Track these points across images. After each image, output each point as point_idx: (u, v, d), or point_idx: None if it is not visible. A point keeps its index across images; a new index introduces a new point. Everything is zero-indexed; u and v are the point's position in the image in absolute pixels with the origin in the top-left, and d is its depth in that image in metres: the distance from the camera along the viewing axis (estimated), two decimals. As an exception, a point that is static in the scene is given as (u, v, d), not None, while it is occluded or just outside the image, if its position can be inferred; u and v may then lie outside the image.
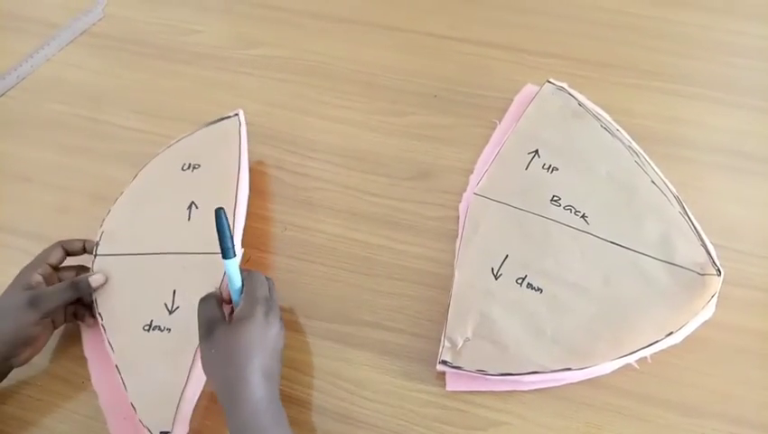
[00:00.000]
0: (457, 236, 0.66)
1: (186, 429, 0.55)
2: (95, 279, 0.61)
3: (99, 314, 0.60)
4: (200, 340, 0.53)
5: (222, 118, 0.73)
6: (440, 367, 0.57)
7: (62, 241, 0.63)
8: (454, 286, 0.61)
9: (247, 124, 0.74)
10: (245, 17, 0.95)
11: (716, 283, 0.59)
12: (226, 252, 0.53)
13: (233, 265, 0.54)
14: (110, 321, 0.60)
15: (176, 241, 0.64)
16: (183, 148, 0.72)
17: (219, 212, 0.53)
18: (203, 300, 0.55)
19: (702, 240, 0.62)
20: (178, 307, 0.60)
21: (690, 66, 0.82)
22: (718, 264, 0.60)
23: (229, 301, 0.57)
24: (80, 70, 0.89)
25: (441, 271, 0.64)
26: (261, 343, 0.52)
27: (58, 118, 0.83)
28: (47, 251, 0.62)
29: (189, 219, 0.65)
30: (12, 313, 0.57)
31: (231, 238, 0.54)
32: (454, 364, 0.56)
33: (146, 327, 0.59)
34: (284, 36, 0.90)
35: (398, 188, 0.72)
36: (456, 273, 0.62)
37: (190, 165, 0.69)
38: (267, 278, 0.58)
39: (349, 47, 0.88)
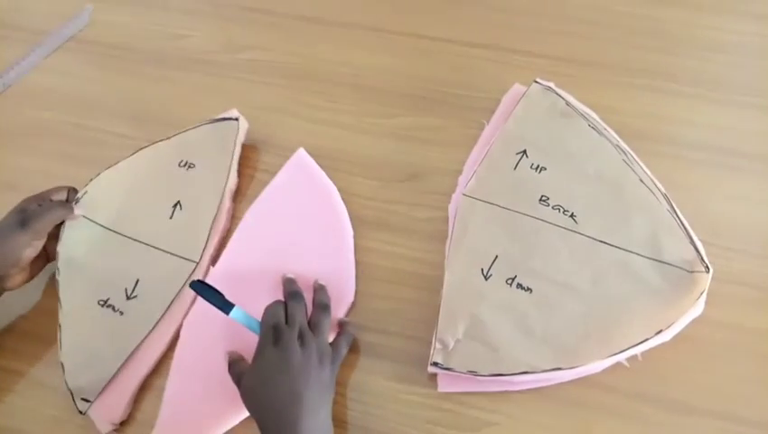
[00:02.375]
0: (447, 237, 0.66)
1: (117, 414, 0.57)
2: (76, 209, 0.66)
3: (58, 268, 0.63)
4: (238, 389, 0.55)
5: (224, 119, 0.74)
6: (431, 369, 0.57)
7: (71, 187, 0.67)
8: (445, 287, 0.61)
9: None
10: (233, 21, 0.95)
11: (704, 280, 0.59)
12: (224, 309, 0.57)
13: (238, 314, 0.57)
14: (67, 278, 0.63)
15: (153, 234, 0.66)
16: (185, 143, 0.74)
17: (195, 286, 0.57)
18: (231, 365, 0.57)
19: (690, 237, 0.62)
20: (136, 296, 0.62)
21: (677, 63, 0.82)
22: (707, 261, 0.60)
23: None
24: (68, 77, 0.88)
25: (432, 273, 0.64)
26: (276, 370, 0.52)
27: (45, 126, 0.82)
28: (53, 189, 0.66)
29: (171, 217, 0.67)
30: (3, 233, 0.59)
31: (220, 295, 0.57)
32: (445, 366, 0.56)
33: (101, 302, 0.62)
34: (272, 40, 0.90)
35: (387, 190, 0.72)
36: (446, 274, 0.62)
37: (186, 162, 0.72)
38: (296, 296, 0.59)
39: (337, 50, 0.88)
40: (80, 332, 0.61)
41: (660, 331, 0.57)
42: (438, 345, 0.58)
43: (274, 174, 0.73)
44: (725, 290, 0.61)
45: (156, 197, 0.69)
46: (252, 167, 0.75)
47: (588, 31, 0.87)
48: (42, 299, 0.66)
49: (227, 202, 0.69)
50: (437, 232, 0.68)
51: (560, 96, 0.75)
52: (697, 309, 0.58)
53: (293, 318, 0.56)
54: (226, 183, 0.69)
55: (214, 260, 0.66)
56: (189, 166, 0.71)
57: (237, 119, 0.74)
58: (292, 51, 0.88)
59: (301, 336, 0.55)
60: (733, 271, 0.63)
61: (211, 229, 0.66)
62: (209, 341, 0.60)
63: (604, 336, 0.57)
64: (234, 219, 0.70)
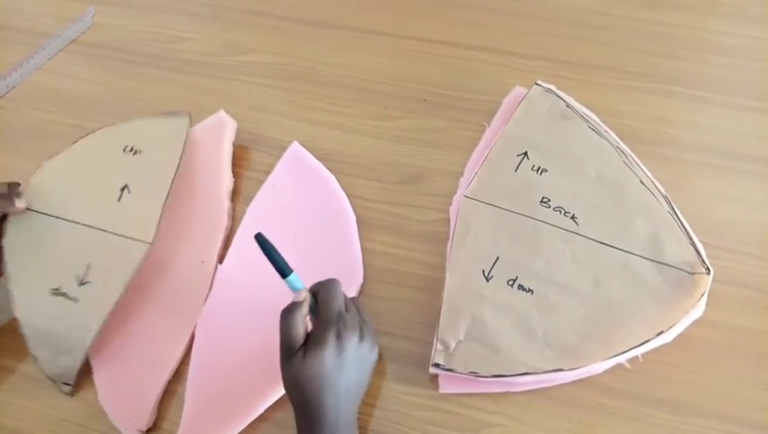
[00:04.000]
0: (448, 239, 0.66)
1: (143, 421, 0.57)
2: (19, 202, 0.64)
3: (5, 261, 0.63)
4: (281, 358, 0.51)
5: (172, 113, 0.74)
6: (432, 370, 0.57)
7: (13, 181, 0.65)
8: (446, 288, 0.61)
9: (237, 130, 0.76)
10: (234, 24, 0.95)
11: (705, 281, 0.59)
12: (282, 271, 0.51)
13: (294, 281, 0.52)
14: (17, 274, 0.62)
15: (101, 218, 0.65)
16: (130, 130, 0.73)
17: (259, 238, 0.52)
18: (286, 313, 0.50)
19: (691, 238, 0.62)
20: (89, 282, 0.62)
21: (676, 66, 0.82)
22: (707, 262, 0.60)
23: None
24: (70, 79, 0.89)
25: (433, 274, 0.65)
26: (335, 368, 0.49)
27: (48, 127, 0.83)
28: None
29: (119, 200, 0.66)
30: None
31: (280, 256, 0.52)
32: (446, 367, 0.56)
33: (54, 291, 0.61)
34: (272, 42, 0.91)
35: (388, 192, 0.72)
36: (448, 276, 0.62)
37: (132, 148, 0.71)
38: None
39: (338, 52, 0.88)
40: (39, 323, 0.61)
41: (661, 332, 0.57)
42: (439, 346, 0.58)
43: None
44: (725, 292, 0.61)
45: (102, 181, 0.68)
46: (253, 169, 0.75)
47: (589, 34, 0.87)
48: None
49: (226, 202, 0.70)
50: (438, 234, 0.68)
51: (561, 98, 0.75)
52: (698, 311, 0.58)
53: (350, 307, 0.53)
54: (177, 170, 0.68)
55: (221, 259, 0.67)
56: (135, 152, 0.70)
57: (188, 114, 0.74)
58: (292, 54, 0.89)
59: (360, 328, 0.52)
60: (734, 273, 0.63)
61: (163, 210, 0.65)
62: (225, 335, 0.61)
63: (605, 338, 0.57)
64: (235, 219, 0.70)
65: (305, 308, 0.51)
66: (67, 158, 0.71)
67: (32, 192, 0.67)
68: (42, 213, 0.66)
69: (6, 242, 0.64)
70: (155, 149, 0.70)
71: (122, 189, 0.67)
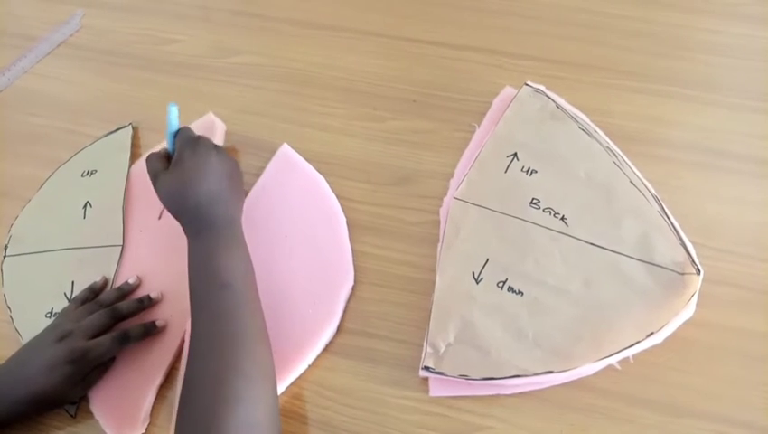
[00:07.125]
0: (438, 241, 0.66)
1: (135, 427, 0.57)
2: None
3: (9, 307, 0.66)
4: (153, 185, 0.62)
5: (116, 130, 0.80)
6: (422, 373, 0.57)
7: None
8: (436, 291, 0.61)
9: (226, 132, 0.76)
10: (223, 25, 0.94)
11: (695, 282, 0.59)
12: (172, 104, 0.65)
13: (174, 111, 0.65)
14: (18, 312, 0.66)
15: (73, 238, 0.70)
16: (84, 157, 0.78)
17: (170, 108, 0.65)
18: (148, 158, 0.64)
19: (681, 239, 0.62)
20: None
21: (667, 65, 0.82)
22: (698, 263, 0.60)
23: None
24: (58, 82, 0.88)
25: (423, 276, 0.64)
26: (196, 175, 0.60)
27: (36, 131, 0.82)
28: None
29: (84, 217, 0.71)
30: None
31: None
32: (436, 370, 0.56)
33: (48, 315, 0.64)
34: (262, 44, 0.90)
35: (378, 194, 0.72)
36: (437, 278, 0.62)
37: (89, 171, 0.76)
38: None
39: (327, 54, 0.88)
40: None
41: (652, 333, 0.57)
42: (429, 349, 0.58)
43: (264, 178, 0.73)
44: (716, 292, 0.61)
45: (68, 207, 0.73)
46: (243, 172, 0.74)
47: (579, 33, 0.87)
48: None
49: None
50: (428, 236, 0.67)
51: (551, 98, 0.75)
52: (689, 311, 0.58)
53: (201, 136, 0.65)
54: (128, 176, 0.74)
55: None
56: (91, 174, 0.75)
57: (129, 125, 0.80)
58: (282, 56, 0.88)
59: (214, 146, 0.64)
60: (724, 273, 0.63)
61: (125, 211, 0.71)
62: None
63: (596, 339, 0.57)
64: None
65: (161, 152, 0.65)
66: (37, 201, 0.75)
67: (14, 240, 0.71)
68: (25, 254, 0.70)
69: (6, 290, 0.67)
70: (107, 164, 0.76)
71: (84, 207, 0.72)
